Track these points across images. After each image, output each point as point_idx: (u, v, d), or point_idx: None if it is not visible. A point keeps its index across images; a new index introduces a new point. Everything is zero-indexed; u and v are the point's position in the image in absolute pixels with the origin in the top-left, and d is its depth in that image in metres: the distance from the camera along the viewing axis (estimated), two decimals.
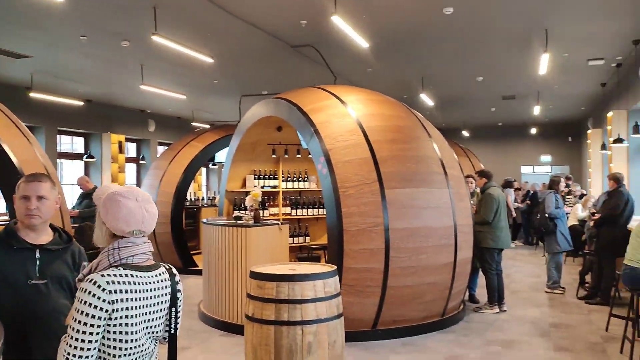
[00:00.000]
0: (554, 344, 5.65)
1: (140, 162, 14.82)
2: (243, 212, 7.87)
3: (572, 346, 5.55)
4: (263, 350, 3.68)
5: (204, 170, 18.05)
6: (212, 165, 17.35)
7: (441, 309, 6.23)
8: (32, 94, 10.61)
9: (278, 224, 6.51)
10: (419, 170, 6.07)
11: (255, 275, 3.90)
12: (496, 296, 7.00)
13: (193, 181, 16.66)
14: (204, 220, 7.07)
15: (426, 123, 6.89)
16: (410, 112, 6.90)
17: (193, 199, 12.66)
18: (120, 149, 13.61)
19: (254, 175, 8.57)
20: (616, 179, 7.34)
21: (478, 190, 7.62)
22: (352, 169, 5.86)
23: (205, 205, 12.68)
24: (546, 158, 20.82)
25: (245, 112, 8.24)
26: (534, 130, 19.17)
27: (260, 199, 6.68)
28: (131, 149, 15.40)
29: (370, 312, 5.76)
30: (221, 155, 12.08)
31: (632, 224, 7.35)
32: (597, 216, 7.72)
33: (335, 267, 4.02)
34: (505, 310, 7.04)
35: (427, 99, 11.64)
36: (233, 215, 7.27)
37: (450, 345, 5.62)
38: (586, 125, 16.31)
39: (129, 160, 14.97)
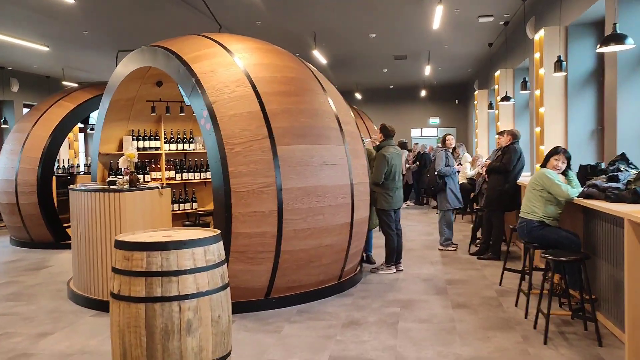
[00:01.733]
0: (452, 300, 5.54)
1: (2, 126, 13.08)
2: (119, 177, 7.01)
3: (469, 302, 5.47)
4: (132, 332, 3.07)
5: (81, 136, 16.45)
6: (91, 130, 15.84)
7: (338, 272, 5.91)
8: None
9: (158, 187, 5.79)
10: (313, 125, 5.60)
11: (120, 245, 3.25)
12: (394, 256, 6.82)
13: (69, 147, 15.13)
14: (71, 186, 6.15)
15: (320, 76, 6.42)
16: (303, 64, 6.39)
17: (67, 166, 11.38)
18: None
19: (132, 136, 7.68)
20: (513, 134, 7.37)
21: (371, 148, 7.35)
22: (240, 124, 5.27)
23: (82, 173, 11.45)
24: (434, 120, 21.40)
25: None
26: (423, 93, 19.52)
27: (136, 160, 5.89)
28: None
29: (263, 279, 5.29)
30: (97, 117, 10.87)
31: (523, 180, 7.47)
32: (486, 164, 7.76)
33: (218, 232, 3.46)
34: (402, 270, 6.90)
35: (320, 57, 11.20)
36: (107, 180, 6.41)
37: (349, 309, 5.32)
38: (473, 88, 16.81)
39: None
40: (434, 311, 5.21)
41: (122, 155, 7.31)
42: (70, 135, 15.05)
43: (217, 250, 3.32)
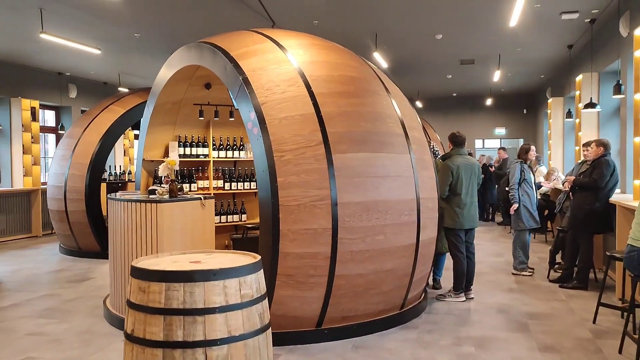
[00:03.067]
0: (537, 341, 4.64)
1: (60, 132, 13.07)
2: (161, 186, 6.52)
3: (559, 343, 4.56)
4: None
5: (137, 142, 16.36)
6: None
7: (400, 301, 5.13)
8: None
9: (200, 198, 5.21)
10: (375, 130, 4.88)
11: (136, 273, 2.62)
12: (463, 282, 5.97)
13: (124, 154, 15.02)
14: (110, 195, 5.68)
15: (383, 76, 5.69)
16: (364, 62, 5.68)
17: (119, 173, 11.12)
18: (34, 117, 11.84)
19: (179, 142, 7.19)
20: (604, 145, 6.35)
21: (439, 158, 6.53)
22: (291, 128, 4.61)
23: (134, 180, 11.17)
24: (500, 131, 20.16)
25: None
26: (489, 101, 18.38)
27: (177, 168, 5.34)
28: (49, 118, 13.60)
29: (314, 307, 4.59)
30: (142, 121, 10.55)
31: (616, 197, 6.45)
32: (569, 181, 6.68)
33: (258, 258, 2.79)
34: (472, 298, 6.03)
35: (381, 60, 10.47)
36: (148, 189, 5.91)
37: (413, 346, 4.53)
38: (544, 96, 15.59)
39: (46, 129, 13.17)
40: (517, 354, 4.34)
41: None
42: (126, 142, 14.98)
43: (255, 282, 2.65)
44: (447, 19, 8.87)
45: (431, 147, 5.85)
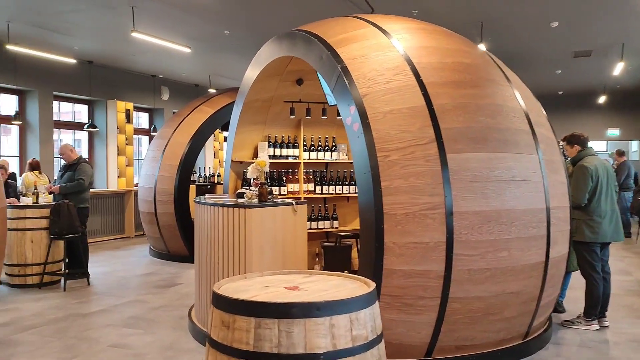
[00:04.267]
0: None
1: (152, 133, 13.21)
2: (249, 189, 6.09)
3: None
4: None
5: (225, 144, 16.35)
6: None
7: (524, 329, 4.31)
8: (10, 47, 8.98)
9: (292, 203, 4.67)
10: (496, 126, 4.11)
11: (219, 302, 2.07)
12: (598, 308, 5.01)
13: (214, 157, 14.99)
14: (196, 198, 5.30)
15: (500, 63, 4.89)
16: (477, 48, 4.91)
17: (208, 175, 10.97)
18: (128, 119, 12.01)
19: (268, 142, 6.75)
20: None
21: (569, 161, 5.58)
22: (398, 124, 3.95)
23: (222, 182, 10.96)
24: (614, 132, 18.27)
25: None
26: (602, 99, 16.65)
27: (267, 169, 4.84)
28: (143, 120, 13.81)
29: (423, 335, 3.89)
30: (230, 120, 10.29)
31: None
32: None
33: (372, 287, 2.16)
34: (607, 326, 5.06)
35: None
36: (236, 192, 5.48)
37: None
38: None
39: (139, 131, 13.34)
40: None
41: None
42: (216, 144, 14.94)
43: (370, 319, 2.03)
44: (566, 2, 7.82)
45: (560, 147, 4.96)
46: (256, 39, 9.32)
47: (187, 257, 8.67)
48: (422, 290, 3.80)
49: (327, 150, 7.06)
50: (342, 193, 7.09)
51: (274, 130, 6.79)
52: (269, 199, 4.76)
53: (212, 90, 13.11)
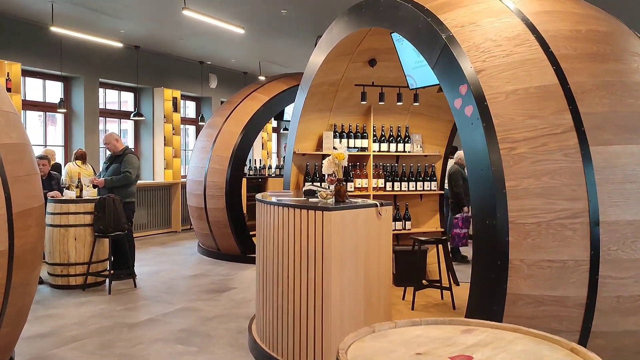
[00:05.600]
0: None
1: (200, 123, 12.64)
2: (318, 185, 5.33)
3: None
4: None
5: (274, 135, 15.68)
6: (284, 130, 14.92)
7: None
8: (55, 29, 8.47)
9: (377, 205, 3.87)
10: None
11: None
12: None
13: (262, 148, 14.34)
14: (259, 195, 4.57)
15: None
16: (610, 15, 3.97)
17: (259, 167, 10.30)
18: (175, 107, 11.44)
19: (334, 131, 5.97)
20: None
21: None
22: (524, 107, 3.09)
23: (274, 175, 10.30)
24: None
25: None
26: None
27: (345, 163, 4.05)
28: (190, 109, 13.26)
29: None
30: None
31: None
32: None
33: None
34: None
35: None
36: (303, 189, 4.73)
37: None
38: None
39: (186, 121, 12.79)
40: None
41: (322, 155, 5.65)
42: (264, 134, 14.27)
43: None
44: None
45: None
46: (315, 20, 8.56)
47: (239, 256, 8.04)
48: (557, 322, 2.95)
49: (399, 142, 6.23)
50: (416, 190, 6.26)
51: (341, 119, 6.01)
52: (346, 200, 3.98)
53: (262, 78, 12.43)
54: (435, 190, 6.35)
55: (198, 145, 8.74)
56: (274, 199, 4.21)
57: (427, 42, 3.55)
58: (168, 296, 6.07)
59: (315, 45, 9.66)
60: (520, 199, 2.96)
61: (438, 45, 3.43)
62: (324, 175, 5.90)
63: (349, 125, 6.04)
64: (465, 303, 5.42)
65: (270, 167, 10.44)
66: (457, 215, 7.05)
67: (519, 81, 3.14)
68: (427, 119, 6.34)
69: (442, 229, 6.54)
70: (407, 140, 6.26)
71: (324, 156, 6.02)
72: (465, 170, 8.57)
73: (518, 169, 2.98)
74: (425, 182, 6.30)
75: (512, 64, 3.19)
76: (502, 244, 2.95)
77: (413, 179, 6.24)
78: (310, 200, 4.10)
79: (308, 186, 4.83)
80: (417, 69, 4.90)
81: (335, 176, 4.05)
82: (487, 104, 3.10)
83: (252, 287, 6.49)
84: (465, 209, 7.56)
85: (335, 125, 5.98)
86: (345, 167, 5.89)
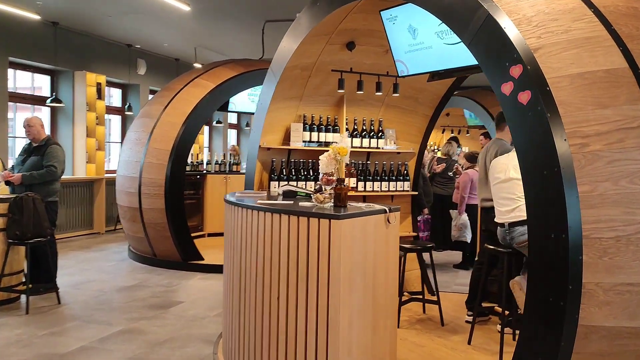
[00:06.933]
0: None
1: (127, 113, 11.42)
2: (294, 184, 4.60)
3: None
4: None
5: (206, 129, 14.62)
6: (217, 122, 13.91)
7: None
8: None
9: (385, 210, 3.19)
10: None
11: None
12: None
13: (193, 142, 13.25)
14: (229, 197, 3.76)
15: None
16: None
17: (196, 163, 9.33)
18: (100, 94, 10.19)
19: (304, 123, 5.24)
20: None
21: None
22: (593, 95, 2.52)
23: (213, 172, 9.37)
24: None
25: (272, 49, 4.98)
26: None
27: (348, 161, 3.34)
28: (115, 96, 11.96)
29: None
30: (239, 102, 8.68)
31: None
32: None
33: None
34: None
35: None
36: (282, 190, 3.98)
37: None
38: None
39: (111, 110, 11.50)
40: None
41: (289, 150, 4.94)
42: None
43: None
44: None
45: None
46: (261, 4, 7.79)
47: (180, 263, 7.10)
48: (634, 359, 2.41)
49: (372, 137, 5.60)
50: (388, 190, 5.67)
51: (311, 109, 5.30)
52: (347, 204, 3.27)
53: (197, 65, 11.41)
54: (408, 190, 5.79)
55: (131, 136, 7.67)
56: (247, 202, 3.43)
57: (463, 13, 2.91)
58: (102, 314, 5.08)
59: (263, 32, 8.90)
60: (595, 208, 2.39)
61: (478, 16, 2.80)
62: (292, 173, 5.17)
63: (320, 117, 5.33)
64: (450, 316, 4.90)
65: (209, 163, 9.50)
66: (419, 218, 6.55)
67: (583, 63, 2.57)
68: (402, 112, 5.75)
69: (415, 233, 6.01)
70: (381, 135, 5.65)
71: (291, 151, 5.29)
72: (424, 170, 8.17)
73: (592, 170, 2.41)
74: (398, 182, 5.72)
75: (573, 42, 2.62)
76: (574, 264, 2.36)
77: (386, 178, 5.64)
78: (301, 205, 3.36)
79: (285, 187, 4.08)
80: (411, 53, 4.27)
81: (333, 175, 3.33)
82: (551, 89, 2.51)
83: (202, 300, 5.63)
84: (425, 210, 7.06)
85: (304, 116, 5.25)
86: (314, 163, 5.20)
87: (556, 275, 2.41)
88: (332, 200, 3.26)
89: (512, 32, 2.65)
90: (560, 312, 2.40)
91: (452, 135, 11.69)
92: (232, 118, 15.95)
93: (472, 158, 7.17)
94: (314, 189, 4.04)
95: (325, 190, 3.33)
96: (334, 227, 2.82)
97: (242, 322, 3.39)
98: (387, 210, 3.20)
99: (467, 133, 11.71)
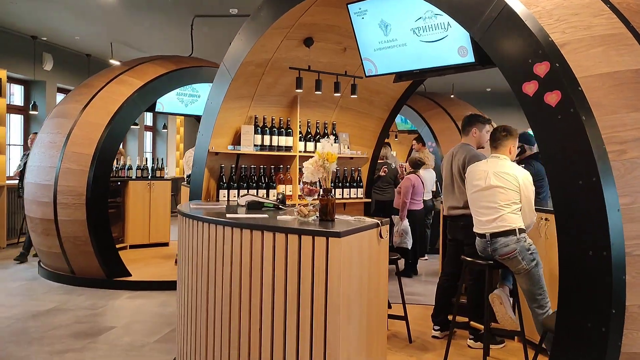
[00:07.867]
0: None
1: (31, 112, 10.25)
2: (254, 193, 4.13)
3: None
4: None
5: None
6: (134, 125, 12.93)
7: None
8: None
9: (378, 224, 2.82)
10: None
11: None
12: None
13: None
14: (181, 207, 3.23)
15: None
16: None
17: (117, 168, 8.50)
18: (0, 91, 9.04)
19: (255, 125, 4.77)
20: None
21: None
22: (626, 97, 2.31)
23: (134, 178, 8.58)
24: None
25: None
26: None
27: (335, 168, 2.94)
28: (16, 94, 10.71)
29: None
30: (167, 103, 7.96)
31: None
32: None
33: None
34: None
35: None
36: (245, 201, 3.51)
37: None
38: None
39: (12, 109, 10.26)
40: None
41: (237, 155, 4.48)
42: None
43: None
44: None
45: None
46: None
47: (104, 280, 6.32)
48: None
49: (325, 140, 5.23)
50: (342, 198, 5.34)
51: (262, 110, 4.84)
52: (334, 217, 2.87)
53: (114, 62, 10.47)
54: (361, 198, 5.49)
55: (43, 139, 6.75)
56: (215, 216, 2.94)
57: (469, 4, 2.61)
58: (18, 348, 4.30)
59: (192, 27, 8.25)
60: (636, 222, 2.16)
61: (492, 9, 2.51)
62: (242, 181, 4.67)
63: (272, 119, 4.88)
64: (415, 332, 4.61)
65: (130, 168, 8.69)
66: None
67: (612, 62, 2.35)
68: (356, 115, 5.44)
69: None
70: (335, 139, 5.30)
71: (240, 156, 4.80)
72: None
73: (632, 179, 2.18)
74: (351, 189, 5.41)
75: (598, 39, 2.40)
76: (617, 285, 2.12)
77: (340, 184, 5.30)
78: (280, 218, 2.91)
79: (251, 197, 3.61)
80: (381, 50, 3.94)
81: (316, 185, 2.93)
82: (582, 89, 2.26)
83: (136, 324, 4.97)
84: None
85: (256, 117, 4.78)
86: (265, 169, 4.78)
87: (596, 298, 2.16)
88: (317, 214, 2.86)
89: (535, 25, 2.39)
90: (600, 338, 2.14)
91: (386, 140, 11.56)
92: (148, 119, 14.97)
93: (416, 164, 7.00)
94: (277, 198, 3.65)
95: (308, 200, 2.91)
96: (333, 246, 2.41)
97: (211, 358, 2.88)
98: (380, 224, 2.84)
99: (396, 137, 11.64)
